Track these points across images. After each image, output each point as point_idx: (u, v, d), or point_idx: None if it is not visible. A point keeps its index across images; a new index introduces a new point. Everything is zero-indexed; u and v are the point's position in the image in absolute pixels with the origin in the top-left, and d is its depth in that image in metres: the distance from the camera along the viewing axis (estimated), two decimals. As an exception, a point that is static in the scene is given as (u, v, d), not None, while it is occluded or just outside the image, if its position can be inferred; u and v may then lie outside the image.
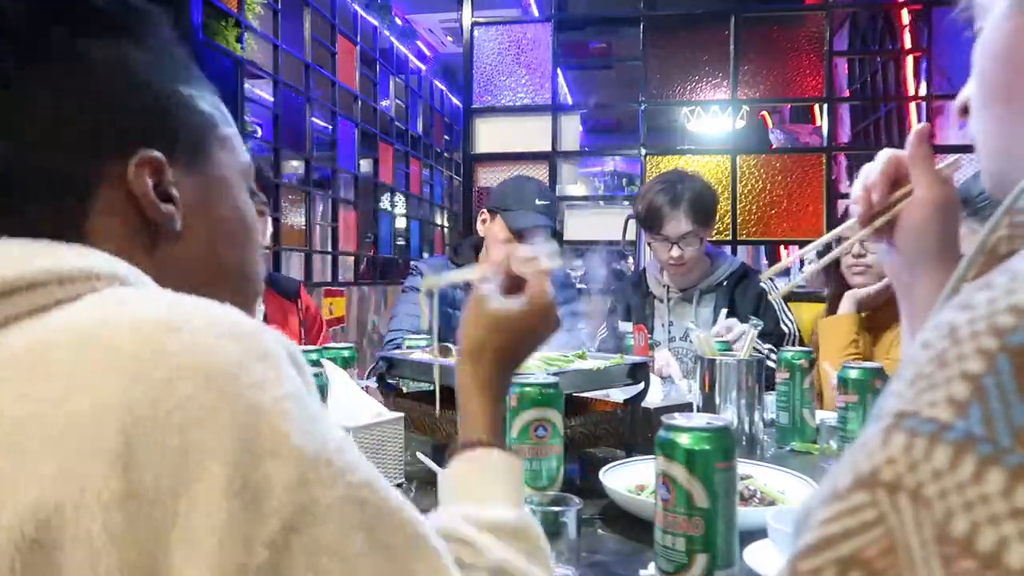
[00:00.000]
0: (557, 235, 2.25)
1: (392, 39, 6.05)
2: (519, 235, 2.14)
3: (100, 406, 0.41)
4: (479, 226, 2.30)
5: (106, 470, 0.39)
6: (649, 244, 2.19)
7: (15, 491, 0.39)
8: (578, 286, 4.75)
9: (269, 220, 2.04)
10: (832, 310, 2.04)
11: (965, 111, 0.56)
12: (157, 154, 0.55)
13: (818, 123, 5.89)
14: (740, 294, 2.15)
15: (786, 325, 2.12)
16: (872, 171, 0.82)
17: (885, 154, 0.81)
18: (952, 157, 0.83)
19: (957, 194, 0.80)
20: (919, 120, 4.17)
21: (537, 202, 2.19)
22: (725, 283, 2.17)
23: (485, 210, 2.29)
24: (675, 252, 2.10)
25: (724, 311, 2.02)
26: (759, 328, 1.70)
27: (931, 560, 0.28)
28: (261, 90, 4.55)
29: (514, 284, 0.79)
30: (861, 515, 0.30)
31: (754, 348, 1.61)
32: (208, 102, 0.61)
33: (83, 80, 0.52)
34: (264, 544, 0.41)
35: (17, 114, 0.51)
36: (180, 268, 0.58)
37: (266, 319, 1.98)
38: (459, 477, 0.71)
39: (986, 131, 0.52)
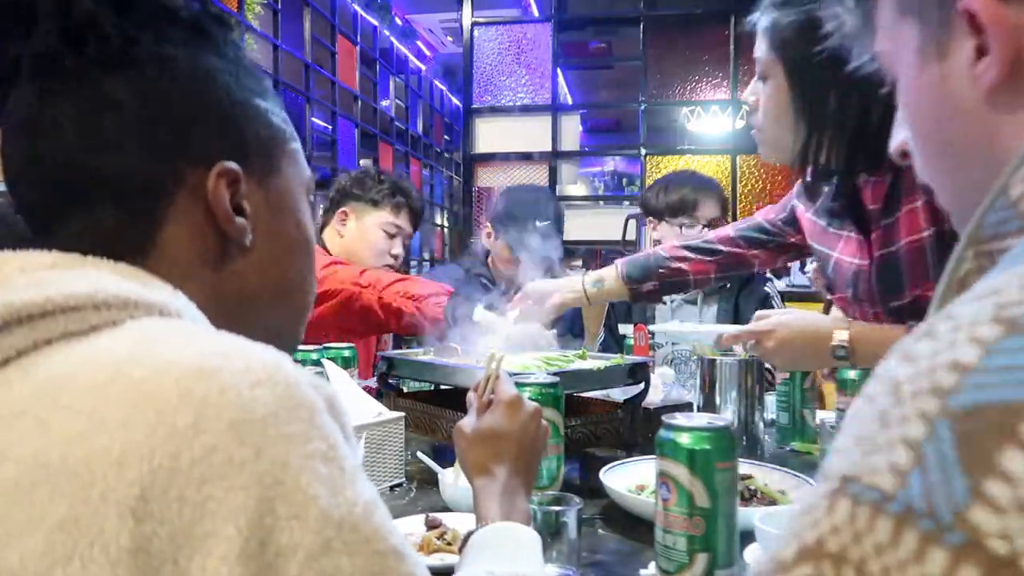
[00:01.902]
0: (563, 248, 2.23)
1: (392, 39, 6.05)
2: (519, 261, 2.10)
3: (117, 453, 0.39)
4: (484, 238, 2.32)
5: (118, 523, 0.38)
6: (677, 228, 2.18)
7: (22, 534, 0.38)
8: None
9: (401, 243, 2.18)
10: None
11: (904, 155, 0.56)
12: (235, 166, 0.55)
13: (818, 123, 5.87)
14: (745, 298, 2.15)
15: None
16: None
17: None
18: None
19: None
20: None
21: (538, 224, 2.16)
22: (728, 286, 2.17)
23: (489, 223, 2.32)
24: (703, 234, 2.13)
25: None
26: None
27: None
28: (261, 90, 4.54)
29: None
30: None
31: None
32: (279, 116, 0.62)
33: (168, 85, 0.53)
34: None
35: (103, 115, 0.51)
36: (243, 282, 0.58)
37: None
38: (480, 541, 0.73)
39: (938, 178, 0.52)
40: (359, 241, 2.12)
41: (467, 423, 0.87)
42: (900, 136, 0.56)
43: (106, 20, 0.50)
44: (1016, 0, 0.40)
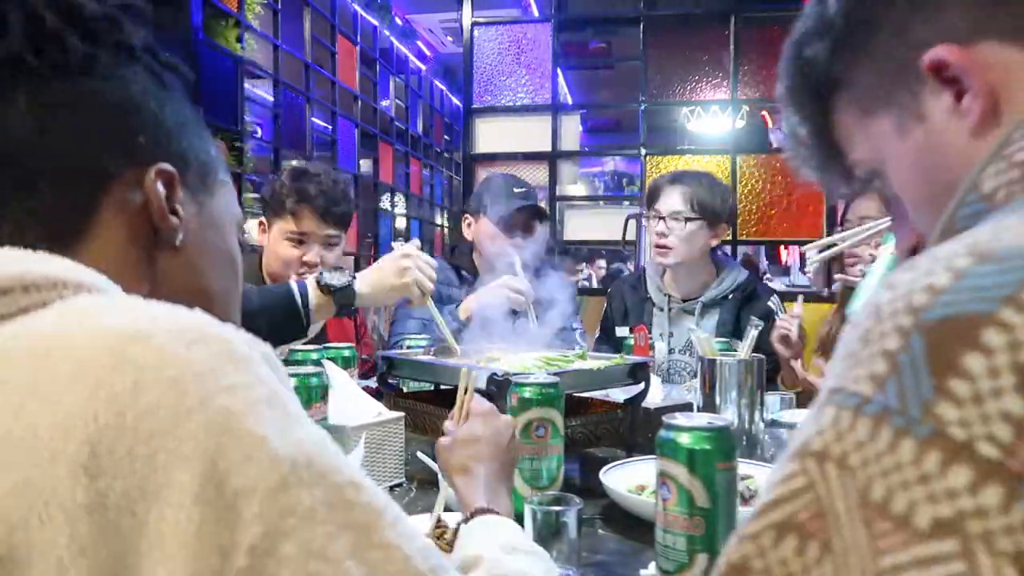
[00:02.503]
0: (541, 213, 2.27)
1: (392, 39, 6.05)
2: (505, 225, 2.19)
3: (62, 417, 0.40)
4: (465, 230, 2.33)
5: (71, 481, 0.39)
6: (654, 221, 2.15)
7: None
8: (578, 286, 4.73)
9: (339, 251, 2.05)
10: (843, 303, 2.02)
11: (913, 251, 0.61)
12: (172, 168, 0.59)
13: (818, 123, 5.87)
14: (747, 311, 2.07)
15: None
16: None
17: None
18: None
19: None
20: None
21: (515, 190, 2.24)
22: (731, 297, 2.12)
23: (467, 215, 2.33)
24: (660, 227, 2.07)
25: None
26: (759, 328, 1.69)
27: (855, 523, 0.31)
28: (261, 90, 4.55)
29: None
30: (792, 483, 0.34)
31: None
32: (216, 154, 0.67)
33: (120, 95, 0.57)
34: (245, 551, 0.40)
35: (54, 110, 0.54)
36: (171, 282, 0.60)
37: (327, 334, 2.01)
38: (473, 531, 0.76)
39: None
40: (269, 254, 2.02)
41: (445, 437, 0.93)
42: (909, 230, 0.60)
43: (69, 37, 0.54)
44: (979, 41, 0.47)
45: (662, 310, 2.20)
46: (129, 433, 0.40)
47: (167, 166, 0.58)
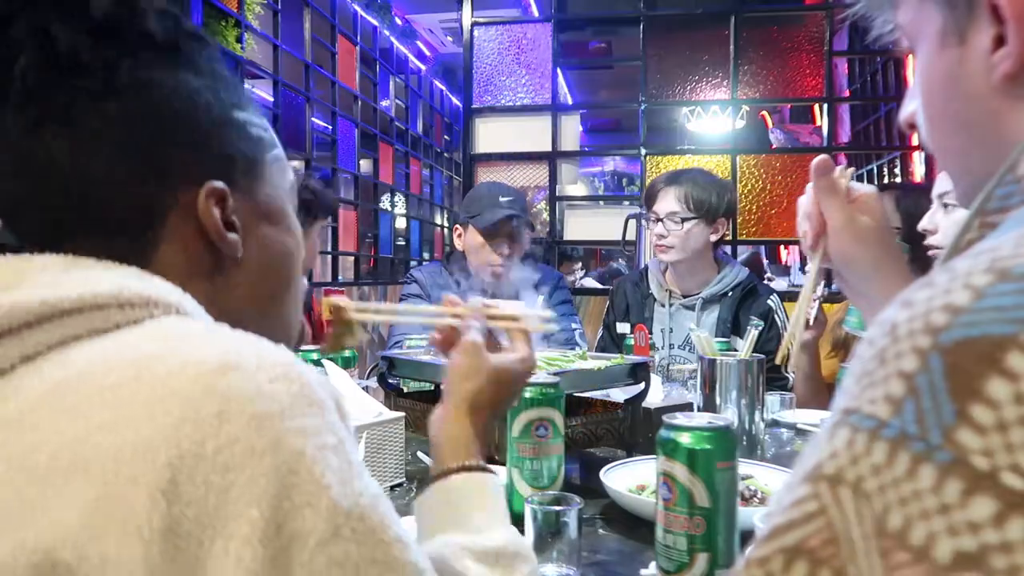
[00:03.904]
0: (529, 224, 2.30)
1: (392, 39, 6.04)
2: (491, 233, 2.21)
3: (147, 439, 0.41)
4: (456, 240, 2.34)
5: (150, 504, 0.40)
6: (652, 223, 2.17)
7: (57, 511, 0.40)
8: (576, 285, 4.73)
9: (317, 240, 2.03)
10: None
11: (912, 126, 0.60)
12: (222, 184, 0.56)
13: (818, 123, 5.89)
14: (745, 309, 2.10)
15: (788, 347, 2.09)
16: (804, 205, 0.88)
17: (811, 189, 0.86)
18: (843, 166, 0.87)
19: (877, 209, 0.83)
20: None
21: (501, 199, 2.24)
22: (730, 294, 2.13)
23: (457, 224, 2.35)
24: (659, 229, 2.11)
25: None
26: (759, 329, 1.69)
27: (871, 552, 0.30)
28: (261, 90, 4.55)
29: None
30: (804, 507, 0.32)
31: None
32: (259, 125, 0.62)
33: (152, 110, 0.54)
34: None
35: (90, 149, 0.52)
36: (237, 291, 0.59)
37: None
38: (446, 502, 0.71)
39: (944, 153, 0.55)
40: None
41: (492, 353, 0.81)
42: (910, 107, 0.59)
43: (86, 50, 0.51)
44: None
45: (663, 306, 2.21)
46: (207, 462, 0.41)
47: (216, 184, 0.56)
